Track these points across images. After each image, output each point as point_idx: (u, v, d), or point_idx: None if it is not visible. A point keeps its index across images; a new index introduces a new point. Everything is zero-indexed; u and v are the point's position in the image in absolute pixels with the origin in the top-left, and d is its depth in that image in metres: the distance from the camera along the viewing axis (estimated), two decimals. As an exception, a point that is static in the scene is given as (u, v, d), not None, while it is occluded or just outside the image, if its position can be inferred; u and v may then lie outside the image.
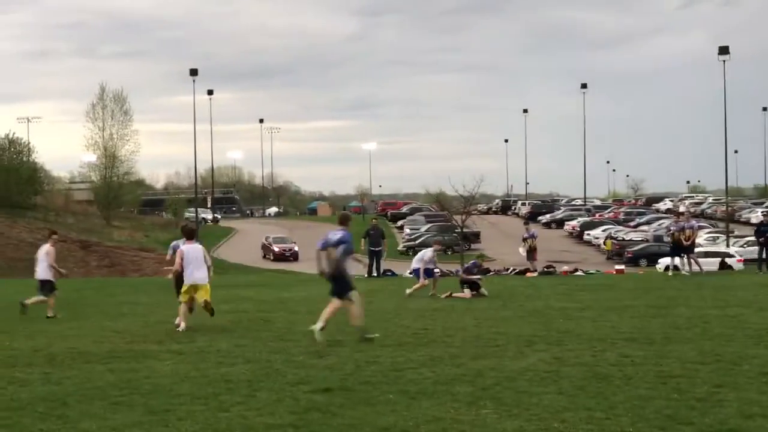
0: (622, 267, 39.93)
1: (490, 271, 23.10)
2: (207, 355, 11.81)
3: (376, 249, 30.26)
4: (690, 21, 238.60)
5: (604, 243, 64.07)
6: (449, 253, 54.95)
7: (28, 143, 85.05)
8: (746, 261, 40.14)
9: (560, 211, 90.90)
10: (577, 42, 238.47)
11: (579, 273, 34.05)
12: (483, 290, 20.47)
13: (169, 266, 17.88)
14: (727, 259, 39.33)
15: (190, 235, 15.61)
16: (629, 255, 54.78)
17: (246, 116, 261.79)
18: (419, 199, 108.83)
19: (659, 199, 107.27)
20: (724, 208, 74.64)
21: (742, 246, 52.80)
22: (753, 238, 35.01)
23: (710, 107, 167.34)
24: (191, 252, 14.99)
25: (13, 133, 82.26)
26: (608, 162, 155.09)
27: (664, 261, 41.35)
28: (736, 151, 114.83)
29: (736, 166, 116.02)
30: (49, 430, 7.77)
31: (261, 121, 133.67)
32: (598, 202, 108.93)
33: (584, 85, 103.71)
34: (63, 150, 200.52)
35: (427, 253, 21.94)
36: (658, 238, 58.20)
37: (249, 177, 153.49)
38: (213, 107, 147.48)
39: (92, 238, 70.48)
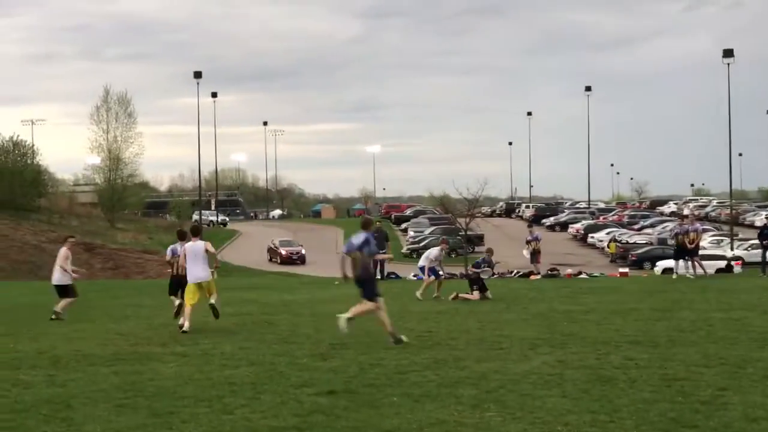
0: (626, 270, 39.89)
1: (497, 262, 23.00)
2: (211, 357, 11.82)
3: (380, 252, 30.23)
4: (694, 24, 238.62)
5: (608, 246, 64.01)
6: (453, 255, 54.95)
7: (33, 145, 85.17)
8: (748, 264, 40.15)
9: (564, 214, 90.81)
10: (582, 44, 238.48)
11: (583, 276, 34.06)
12: (488, 293, 20.44)
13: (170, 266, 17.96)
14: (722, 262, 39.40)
15: (195, 231, 15.69)
16: (633, 258, 54.75)
17: (250, 119, 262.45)
18: (423, 202, 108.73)
19: (663, 202, 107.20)
20: (728, 211, 74.61)
21: (746, 249, 52.76)
22: (756, 241, 35.03)
23: (714, 110, 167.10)
24: (192, 249, 15.05)
25: (18, 136, 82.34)
26: (612, 165, 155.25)
27: (662, 264, 41.39)
28: (740, 154, 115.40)
29: (740, 169, 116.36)
30: (54, 433, 7.78)
31: (265, 123, 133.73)
32: (602, 205, 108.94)
33: (588, 88, 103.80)
34: (67, 152, 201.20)
35: (433, 251, 21.94)
36: (662, 241, 58.17)
37: (253, 179, 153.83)
38: (217, 110, 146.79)
39: (96, 240, 70.46)
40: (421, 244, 62.90)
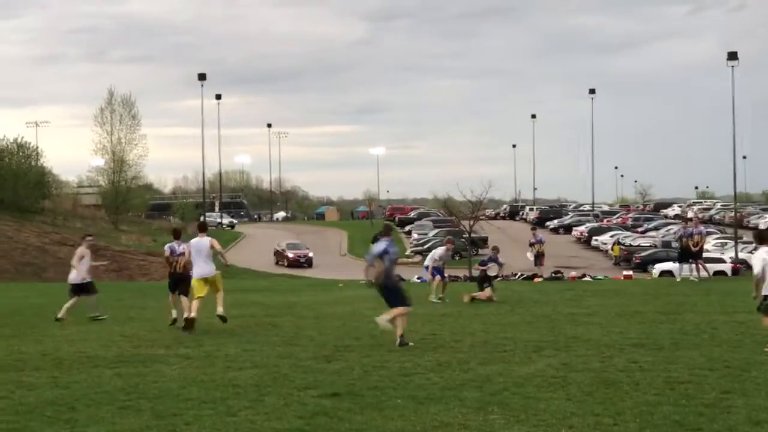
0: (630, 273, 39.83)
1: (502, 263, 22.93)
2: (215, 359, 11.83)
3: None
4: (699, 26, 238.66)
5: (612, 249, 63.94)
6: (456, 258, 54.92)
7: (37, 147, 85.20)
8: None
9: (568, 217, 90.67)
10: (586, 47, 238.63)
11: (587, 278, 34.01)
12: (494, 296, 20.40)
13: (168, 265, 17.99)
14: (721, 265, 39.25)
15: (202, 228, 15.74)
16: (637, 261, 54.73)
17: (254, 121, 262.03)
18: (427, 204, 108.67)
19: (667, 204, 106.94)
20: (732, 214, 74.49)
21: (750, 252, 52.67)
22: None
23: (719, 112, 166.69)
24: (197, 246, 15.10)
25: (22, 138, 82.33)
26: (616, 167, 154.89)
27: (659, 267, 41.31)
28: (744, 157, 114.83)
29: (744, 171, 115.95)
30: (57, 434, 7.78)
31: (269, 125, 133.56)
32: (606, 208, 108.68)
33: (592, 91, 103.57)
34: (71, 154, 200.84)
35: (438, 251, 21.93)
36: (666, 244, 58.10)
37: (257, 181, 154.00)
38: (221, 112, 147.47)
39: (100, 242, 70.47)
40: (425, 247, 62.91)
